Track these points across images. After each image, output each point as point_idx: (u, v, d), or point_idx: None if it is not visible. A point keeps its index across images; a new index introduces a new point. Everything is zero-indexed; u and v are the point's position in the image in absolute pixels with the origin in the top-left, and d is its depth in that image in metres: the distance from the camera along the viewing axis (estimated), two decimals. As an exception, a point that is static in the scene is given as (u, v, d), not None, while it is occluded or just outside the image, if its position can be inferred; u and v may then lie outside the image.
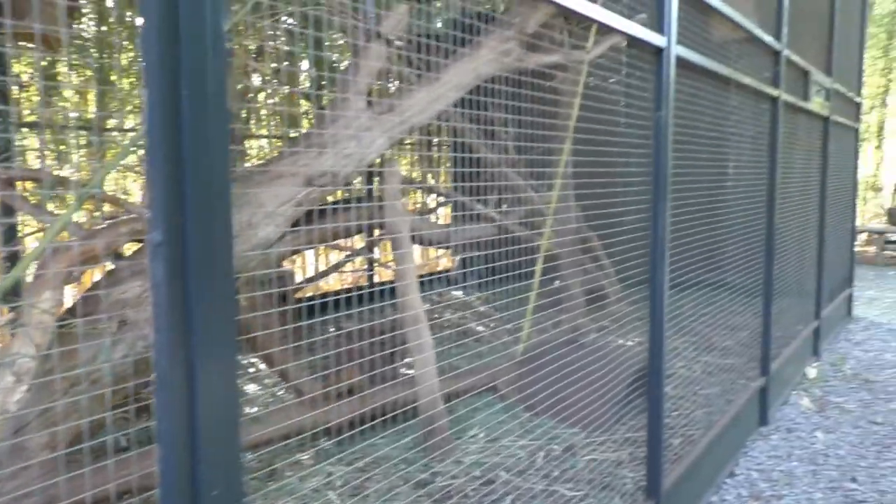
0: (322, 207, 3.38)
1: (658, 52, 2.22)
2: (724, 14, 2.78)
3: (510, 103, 2.59)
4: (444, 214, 6.72)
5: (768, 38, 3.43)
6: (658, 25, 2.21)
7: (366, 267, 6.27)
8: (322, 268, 6.71)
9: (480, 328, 5.06)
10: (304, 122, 5.73)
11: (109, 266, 2.62)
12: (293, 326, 3.09)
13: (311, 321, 2.33)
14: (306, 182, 2.95)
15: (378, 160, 3.31)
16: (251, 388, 4.00)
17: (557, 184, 4.22)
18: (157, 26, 0.84)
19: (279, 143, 5.82)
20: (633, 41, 2.12)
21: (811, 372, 4.72)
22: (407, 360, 3.42)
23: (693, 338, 3.32)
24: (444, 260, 7.65)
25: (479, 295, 5.57)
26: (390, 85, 4.13)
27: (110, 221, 2.57)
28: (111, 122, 5.82)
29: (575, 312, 4.22)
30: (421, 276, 5.92)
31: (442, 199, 5.62)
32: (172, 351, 0.87)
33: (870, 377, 4.66)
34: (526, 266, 3.96)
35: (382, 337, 3.07)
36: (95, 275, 2.88)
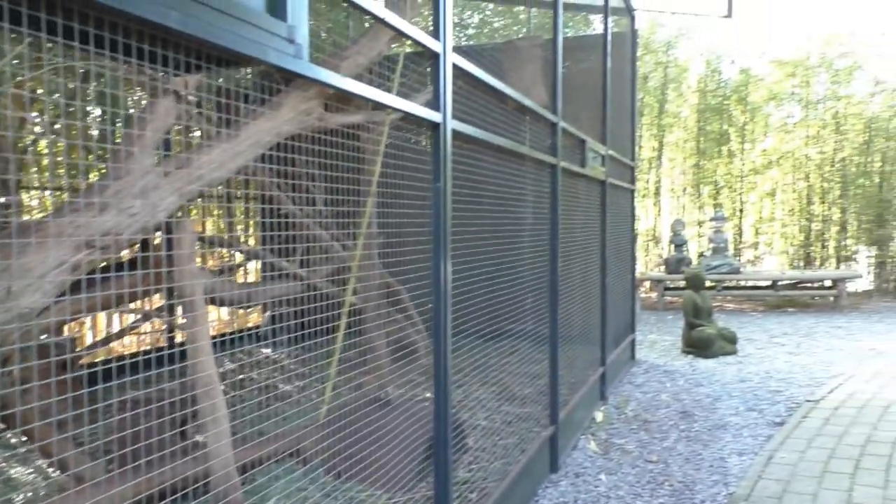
0: (103, 269, 3.13)
1: (435, 126, 2.35)
2: (499, 91, 3.01)
3: (319, 149, 2.60)
4: (254, 272, 6.51)
5: (544, 112, 3.77)
6: (435, 103, 2.34)
7: (163, 329, 5.88)
8: (115, 331, 6.17)
9: (287, 387, 4.91)
10: (90, 176, 5.32)
11: None
12: (72, 408, 2.79)
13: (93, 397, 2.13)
14: (83, 244, 2.73)
15: (174, 217, 3.15)
16: (18, 471, 3.55)
17: (361, 239, 4.27)
18: None
19: (59, 198, 5.35)
20: (413, 117, 2.23)
21: (598, 415, 5.11)
22: (200, 429, 3.22)
23: (493, 388, 3.46)
24: (250, 318, 7.38)
25: (286, 353, 5.42)
26: (183, 141, 3.98)
27: None
28: None
29: (382, 371, 4.24)
30: (224, 335, 5.65)
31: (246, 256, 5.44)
32: None
33: (648, 417, 5.13)
34: (333, 322, 3.92)
35: (179, 414, 2.87)
36: None
